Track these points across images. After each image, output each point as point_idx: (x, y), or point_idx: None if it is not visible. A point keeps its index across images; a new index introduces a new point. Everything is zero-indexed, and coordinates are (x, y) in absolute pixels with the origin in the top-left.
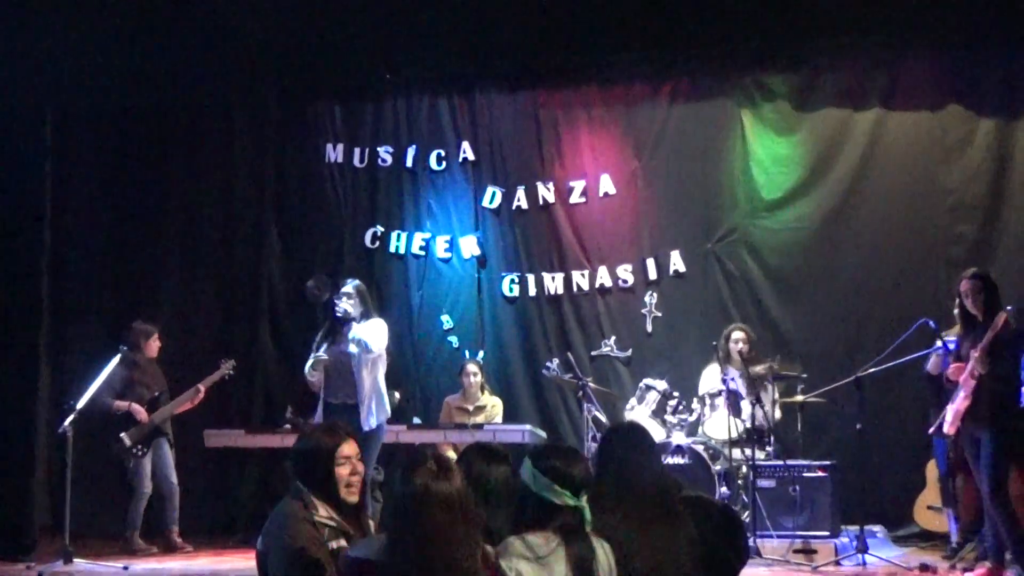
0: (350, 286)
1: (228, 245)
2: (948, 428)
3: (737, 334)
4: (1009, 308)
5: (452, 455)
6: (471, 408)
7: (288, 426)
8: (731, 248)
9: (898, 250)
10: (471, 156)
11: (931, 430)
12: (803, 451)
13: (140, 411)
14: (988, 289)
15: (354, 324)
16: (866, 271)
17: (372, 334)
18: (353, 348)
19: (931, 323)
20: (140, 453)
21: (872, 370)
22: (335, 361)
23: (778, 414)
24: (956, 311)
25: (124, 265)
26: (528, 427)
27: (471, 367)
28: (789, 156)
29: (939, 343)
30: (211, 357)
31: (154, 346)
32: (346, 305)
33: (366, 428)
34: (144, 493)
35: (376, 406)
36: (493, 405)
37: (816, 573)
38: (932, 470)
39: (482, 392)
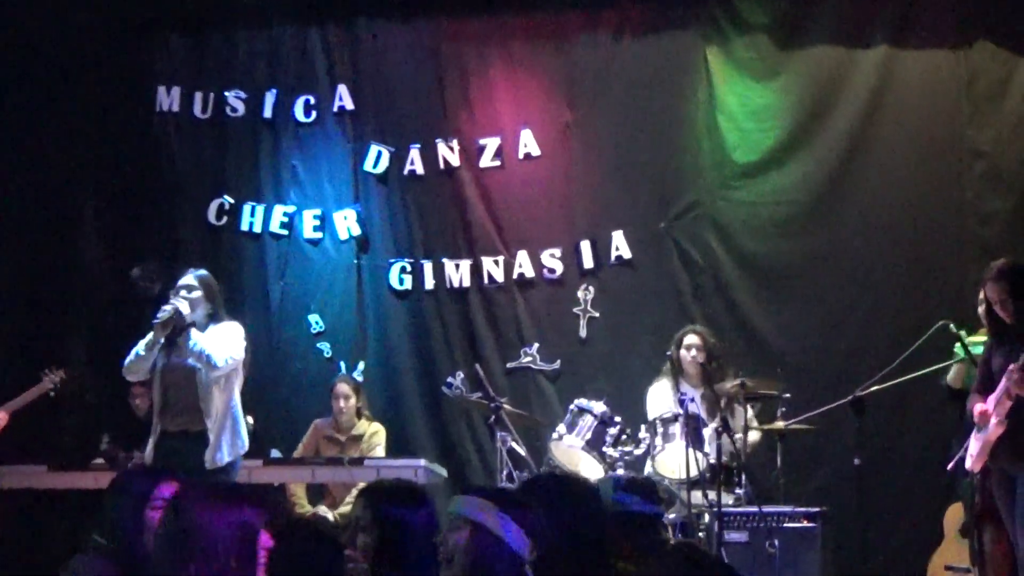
0: (191, 277)
1: (30, 225)
2: (973, 464)
3: (691, 339)
4: None
5: (328, 514)
6: (343, 439)
7: (103, 461)
8: (693, 227)
9: (912, 231)
10: (350, 105)
11: (950, 465)
12: (784, 494)
13: None
14: (1020, 287)
15: (193, 330)
16: (870, 258)
17: (220, 343)
18: (195, 361)
19: (953, 327)
20: None
21: (876, 388)
22: (172, 376)
23: (752, 443)
24: (981, 314)
25: None
26: (423, 462)
27: (343, 387)
28: (769, 108)
29: (960, 352)
30: (9, 369)
31: None
32: (181, 303)
33: (214, 464)
34: None
35: (229, 436)
36: (373, 433)
37: None
38: (952, 519)
39: (358, 418)
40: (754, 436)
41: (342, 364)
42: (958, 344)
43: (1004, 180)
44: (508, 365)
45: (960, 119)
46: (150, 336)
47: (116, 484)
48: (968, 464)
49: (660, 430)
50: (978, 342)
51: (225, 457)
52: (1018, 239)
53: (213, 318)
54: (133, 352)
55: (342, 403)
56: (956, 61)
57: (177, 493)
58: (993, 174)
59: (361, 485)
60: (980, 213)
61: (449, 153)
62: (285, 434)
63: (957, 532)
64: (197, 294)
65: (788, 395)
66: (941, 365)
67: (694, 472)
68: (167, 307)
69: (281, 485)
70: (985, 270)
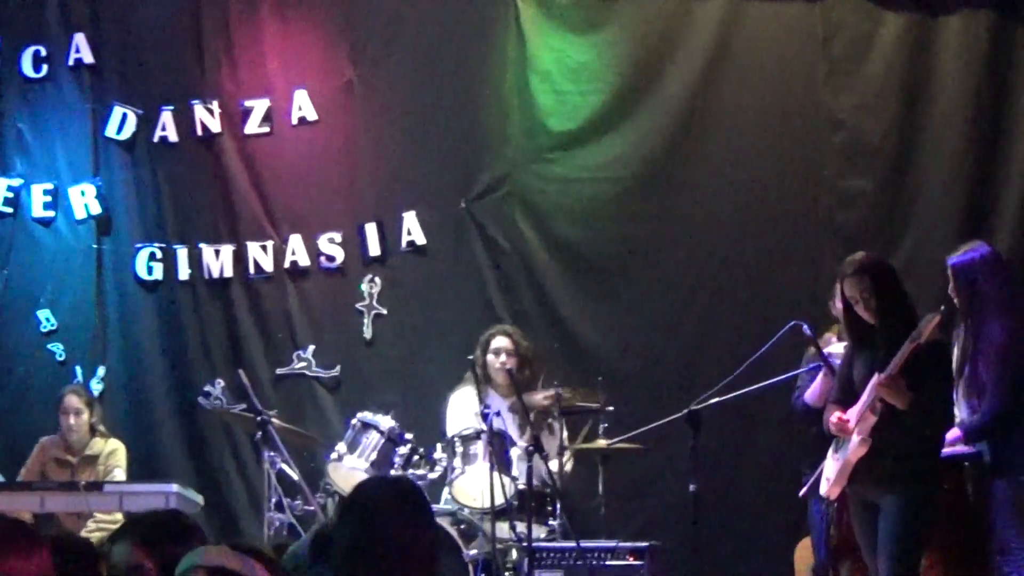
0: None
1: None
2: (830, 489)
3: (499, 341)
4: (943, 309)
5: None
6: (75, 460)
7: None
8: (499, 208)
9: (759, 215)
10: (88, 58)
11: (803, 492)
12: (607, 526)
13: None
14: (884, 284)
15: None
16: (709, 247)
17: None
18: None
19: (807, 328)
20: None
21: (715, 401)
22: None
23: (569, 468)
24: (837, 313)
25: None
26: (175, 487)
27: (72, 400)
28: (591, 67)
29: (810, 353)
30: None
31: None
32: None
33: None
34: None
35: None
36: (110, 453)
37: None
38: (804, 554)
39: (92, 434)
40: (571, 457)
41: (78, 369)
42: (812, 349)
43: (867, 154)
44: (278, 371)
45: (816, 82)
46: None
47: None
48: (823, 490)
49: (460, 449)
50: (834, 348)
51: None
52: (883, 224)
53: None
54: None
55: (72, 419)
56: (811, 13)
57: None
58: (854, 147)
59: (105, 516)
60: (839, 193)
61: (208, 117)
62: (6, 454)
63: (810, 570)
64: None
65: (611, 408)
66: (792, 374)
67: (499, 500)
68: None
69: None
70: (843, 264)
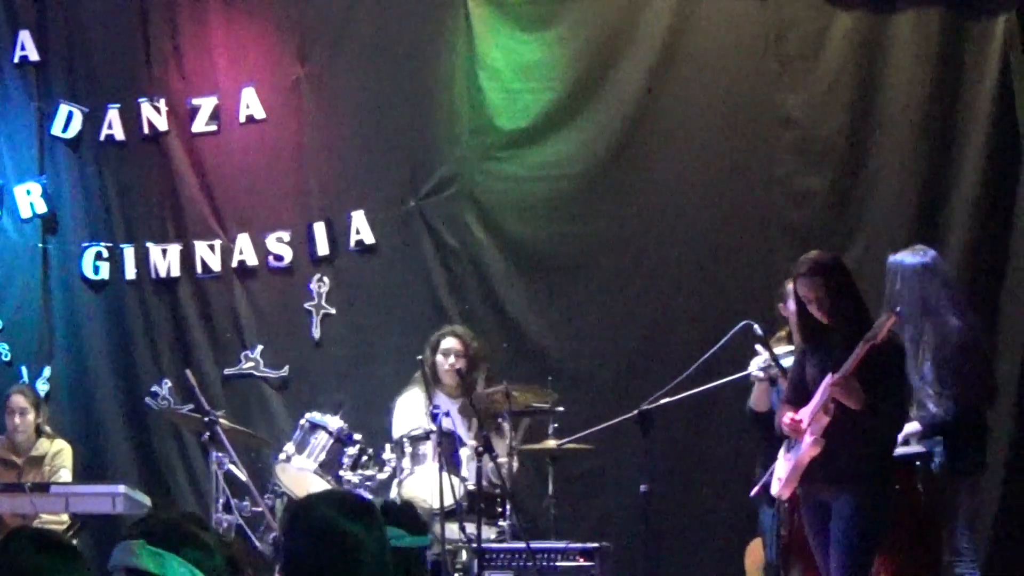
0: None
1: None
2: (781, 489)
3: (448, 342)
4: (898, 310)
5: None
6: (20, 461)
7: None
8: (449, 207)
9: (711, 214)
10: (34, 55)
11: (754, 491)
12: (557, 527)
13: None
14: (838, 283)
15: None
16: (661, 246)
17: None
18: None
19: (757, 328)
20: None
21: (666, 401)
22: None
23: (515, 468)
24: (788, 313)
25: None
26: (122, 489)
27: (18, 400)
28: (542, 64)
29: (763, 356)
30: None
31: None
32: None
33: None
34: None
35: None
36: (56, 453)
37: None
38: (755, 555)
39: (39, 435)
40: (514, 455)
41: (23, 369)
42: (756, 359)
43: (819, 153)
44: (226, 371)
45: (767, 80)
46: None
47: None
48: (775, 490)
49: (409, 450)
50: (784, 352)
51: None
52: (836, 223)
53: None
54: None
55: (17, 419)
56: (763, 11)
57: None
58: (806, 146)
59: (51, 518)
60: (791, 193)
61: (155, 115)
62: None
63: (760, 572)
64: None
65: (562, 409)
66: (742, 374)
67: (449, 500)
68: None
69: None
70: (796, 263)
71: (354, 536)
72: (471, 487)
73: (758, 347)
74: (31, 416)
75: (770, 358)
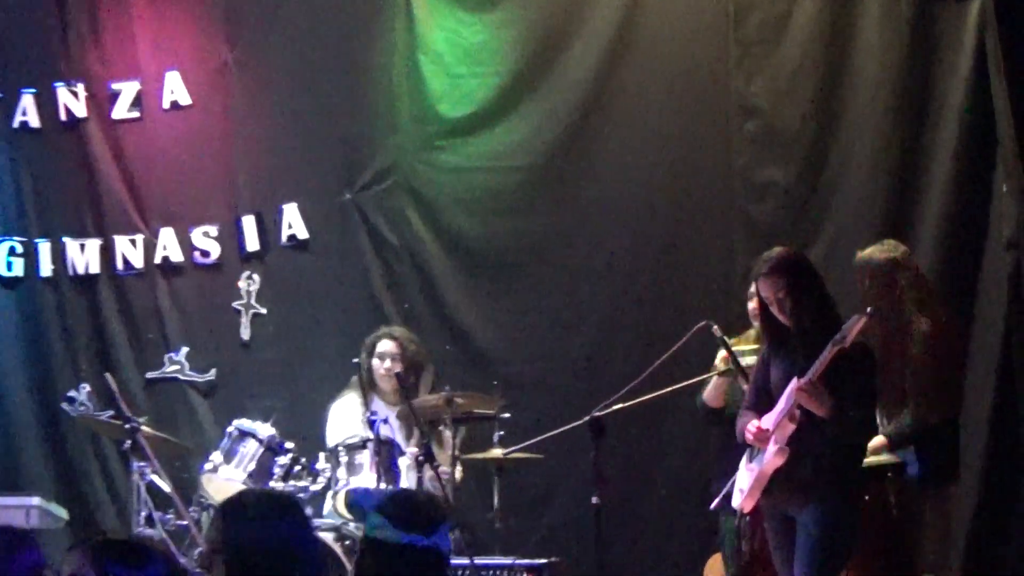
0: None
1: None
2: (744, 501)
3: (385, 345)
4: (869, 311)
5: None
6: None
7: None
8: (388, 200)
9: (667, 208)
10: None
11: (714, 504)
12: (504, 542)
13: None
14: (802, 283)
15: None
16: (613, 241)
17: None
18: None
19: (716, 328)
20: None
21: (619, 407)
22: None
23: (458, 477)
24: (752, 313)
25: None
26: (36, 500)
27: None
28: (486, 47)
29: (722, 359)
30: None
31: None
32: None
33: None
34: None
35: None
36: None
37: None
38: (715, 572)
39: None
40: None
41: None
42: (722, 353)
43: (782, 143)
44: (148, 375)
45: (726, 66)
46: None
47: None
48: (736, 502)
49: (344, 459)
50: (747, 350)
51: None
52: (800, 218)
53: None
54: None
55: None
56: None
57: None
58: (768, 135)
59: None
60: (752, 185)
61: (73, 101)
62: None
63: None
64: None
65: (508, 415)
66: (702, 377)
67: None
68: None
69: None
70: (758, 262)
71: (283, 530)
72: None
73: (720, 347)
74: None
75: (731, 360)
